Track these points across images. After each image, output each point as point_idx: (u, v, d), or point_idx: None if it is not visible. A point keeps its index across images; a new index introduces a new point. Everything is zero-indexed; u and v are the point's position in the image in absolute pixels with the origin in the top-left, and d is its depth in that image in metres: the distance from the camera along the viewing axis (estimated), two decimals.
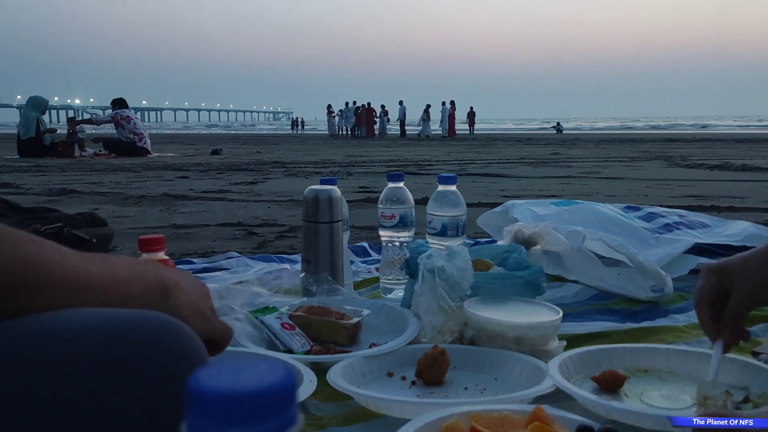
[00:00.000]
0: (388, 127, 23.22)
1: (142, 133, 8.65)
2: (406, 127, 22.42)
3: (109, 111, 8.83)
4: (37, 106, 8.59)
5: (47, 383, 0.54)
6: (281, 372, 0.29)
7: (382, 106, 23.23)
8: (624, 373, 0.95)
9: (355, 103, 23.40)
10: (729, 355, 1.01)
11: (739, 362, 0.97)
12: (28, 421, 0.54)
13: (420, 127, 21.51)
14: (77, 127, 8.71)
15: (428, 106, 21.59)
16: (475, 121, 23.37)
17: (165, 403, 0.56)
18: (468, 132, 22.69)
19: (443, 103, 21.61)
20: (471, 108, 23.49)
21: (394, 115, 22.97)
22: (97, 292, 0.62)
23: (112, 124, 8.66)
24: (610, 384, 0.93)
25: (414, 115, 22.73)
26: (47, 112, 9.09)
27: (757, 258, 0.88)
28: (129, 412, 0.56)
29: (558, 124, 28.22)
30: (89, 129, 10.71)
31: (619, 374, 0.94)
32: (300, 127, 40.70)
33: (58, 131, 9.34)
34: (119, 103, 8.70)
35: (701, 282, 0.91)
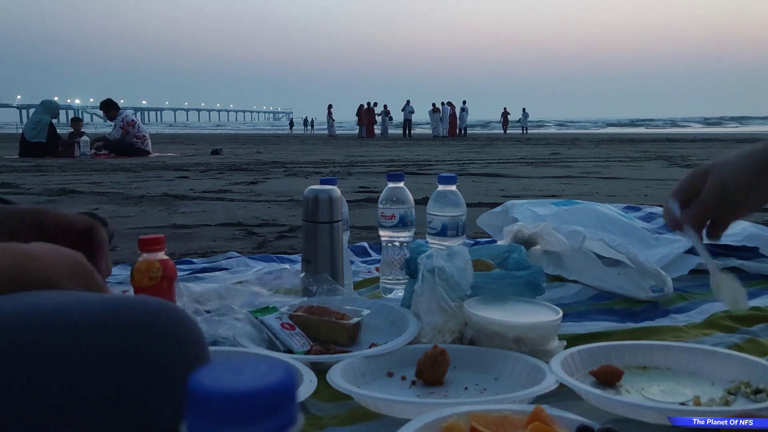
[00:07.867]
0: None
1: (144, 135, 8.60)
2: (416, 128, 22.53)
3: (110, 119, 8.51)
4: (49, 110, 8.50)
5: (49, 376, 0.54)
6: (281, 372, 0.29)
7: (384, 106, 23.25)
8: (622, 369, 0.95)
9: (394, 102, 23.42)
10: (729, 352, 1.01)
11: (738, 358, 0.97)
12: (30, 416, 0.53)
13: (433, 126, 21.68)
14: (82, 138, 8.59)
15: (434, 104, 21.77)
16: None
17: (167, 389, 0.57)
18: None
19: (435, 103, 21.77)
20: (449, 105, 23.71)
21: (399, 115, 23.06)
22: None
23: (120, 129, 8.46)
24: (608, 378, 0.94)
25: (420, 116, 22.84)
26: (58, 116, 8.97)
27: (736, 155, 0.88)
28: (135, 399, 0.56)
29: (523, 113, 25.99)
30: (88, 130, 10.58)
31: (616, 368, 0.95)
32: (310, 127, 41.07)
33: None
34: (112, 106, 8.38)
35: (681, 180, 0.91)
